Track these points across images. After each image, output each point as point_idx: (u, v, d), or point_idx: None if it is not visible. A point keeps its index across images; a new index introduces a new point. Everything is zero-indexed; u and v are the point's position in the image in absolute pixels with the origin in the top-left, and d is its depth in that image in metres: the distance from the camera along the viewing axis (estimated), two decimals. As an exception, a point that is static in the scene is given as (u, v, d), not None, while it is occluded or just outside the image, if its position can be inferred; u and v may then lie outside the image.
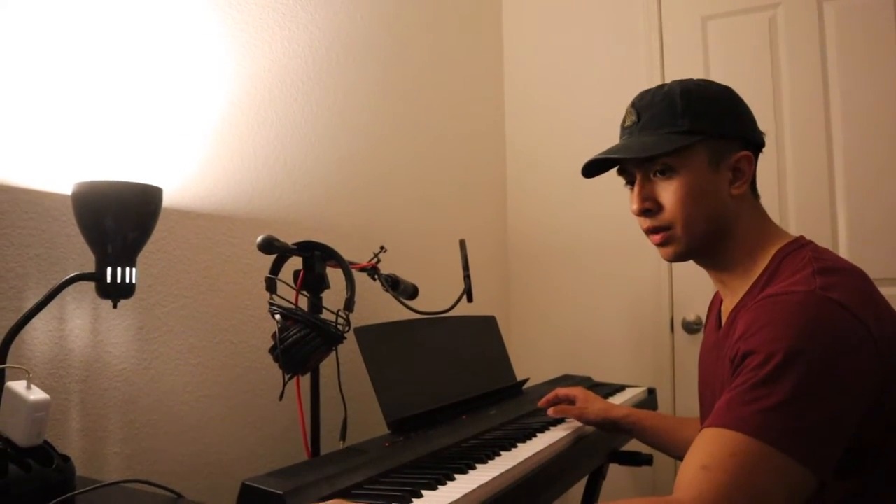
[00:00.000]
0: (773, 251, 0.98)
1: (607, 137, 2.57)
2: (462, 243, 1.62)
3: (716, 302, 1.17)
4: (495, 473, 1.07)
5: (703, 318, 2.23)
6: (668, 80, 2.30)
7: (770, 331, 0.83)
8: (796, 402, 0.78)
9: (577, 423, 1.39)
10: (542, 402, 1.45)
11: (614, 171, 1.09)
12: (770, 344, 0.81)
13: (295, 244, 1.28)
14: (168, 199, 1.14)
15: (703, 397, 1.12)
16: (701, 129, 0.97)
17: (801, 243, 0.98)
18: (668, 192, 0.99)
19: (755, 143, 1.02)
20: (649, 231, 1.03)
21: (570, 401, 1.43)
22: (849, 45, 2.10)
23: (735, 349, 0.87)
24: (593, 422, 1.37)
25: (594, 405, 1.38)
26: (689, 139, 0.97)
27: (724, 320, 1.06)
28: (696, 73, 2.29)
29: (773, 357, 0.80)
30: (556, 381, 2.01)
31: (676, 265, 2.30)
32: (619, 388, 1.90)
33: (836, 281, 0.87)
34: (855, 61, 2.09)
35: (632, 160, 1.02)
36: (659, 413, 1.40)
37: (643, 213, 1.02)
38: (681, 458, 1.28)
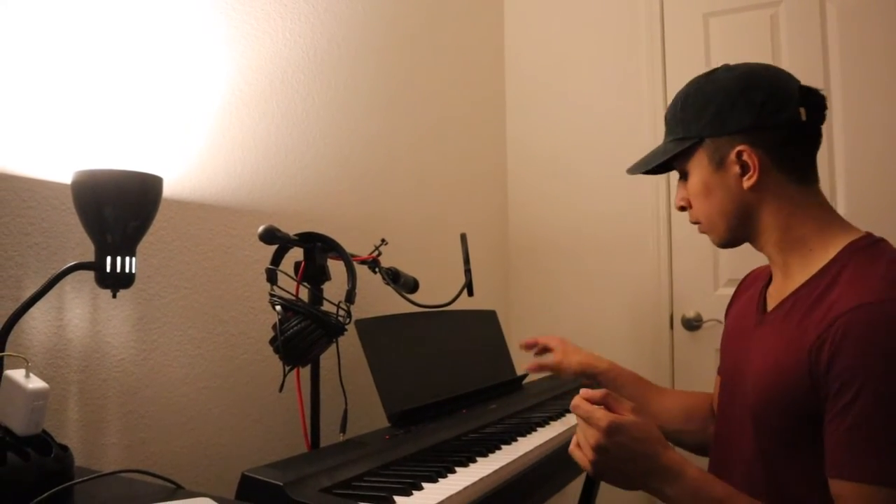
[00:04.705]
0: (840, 243, 0.96)
1: (608, 132, 2.58)
2: (463, 237, 1.61)
3: (755, 280, 1.15)
4: (496, 467, 1.07)
5: (702, 315, 2.24)
6: (668, 76, 2.35)
7: (882, 357, 0.82)
8: None
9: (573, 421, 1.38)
10: (523, 343, 1.46)
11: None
12: (888, 374, 0.81)
13: (296, 235, 1.28)
14: (168, 190, 1.14)
15: (726, 373, 1.11)
16: (693, 132, 1.02)
17: (872, 239, 0.97)
18: (689, 193, 1.07)
19: (771, 128, 0.98)
20: (692, 223, 1.10)
21: (548, 349, 1.42)
22: (850, 43, 2.09)
23: (822, 350, 0.86)
24: (572, 375, 1.36)
25: (573, 357, 1.36)
26: (681, 146, 1.03)
27: (769, 302, 1.04)
28: (698, 71, 2.26)
29: (894, 391, 0.81)
30: (555, 376, 2.00)
31: (676, 262, 2.31)
32: (619, 384, 1.90)
33: None
34: (856, 59, 2.09)
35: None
36: (638, 375, 1.37)
37: (681, 209, 1.10)
38: None
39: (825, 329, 0.87)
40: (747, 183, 0.99)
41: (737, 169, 0.99)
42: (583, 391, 0.95)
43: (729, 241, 1.06)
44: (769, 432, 0.96)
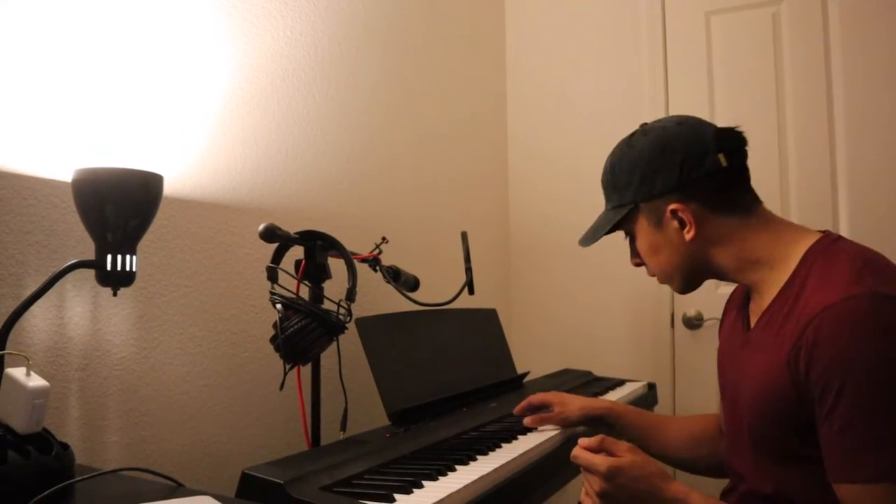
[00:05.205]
0: (799, 251, 0.97)
1: (609, 131, 2.57)
2: (464, 235, 1.61)
3: (737, 298, 1.16)
4: (496, 465, 1.07)
5: (703, 314, 2.24)
6: (670, 74, 2.34)
7: (854, 355, 0.83)
8: None
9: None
10: (517, 410, 1.39)
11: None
12: (863, 370, 0.82)
13: (297, 233, 1.28)
14: (169, 188, 1.14)
15: (726, 392, 1.12)
16: (628, 199, 1.07)
17: (830, 238, 0.98)
18: (639, 252, 1.11)
19: (697, 181, 1.00)
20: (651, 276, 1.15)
21: (546, 407, 1.37)
22: (852, 41, 2.09)
23: (798, 359, 0.88)
24: (576, 422, 1.34)
25: (572, 405, 1.35)
26: (619, 213, 1.08)
27: (752, 319, 1.06)
28: (699, 69, 2.31)
29: (873, 386, 0.82)
30: (556, 375, 2.01)
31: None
32: (620, 383, 1.90)
33: (885, 274, 0.89)
34: (858, 57, 2.08)
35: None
36: (641, 410, 1.38)
37: (637, 265, 1.15)
38: (657, 457, 1.29)
39: (798, 338, 0.88)
40: (688, 236, 1.03)
41: (675, 224, 1.03)
42: (580, 440, 0.99)
43: (688, 288, 1.11)
44: (767, 447, 0.97)
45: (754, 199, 1.04)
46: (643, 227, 1.07)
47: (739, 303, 1.13)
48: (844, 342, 0.84)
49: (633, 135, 1.09)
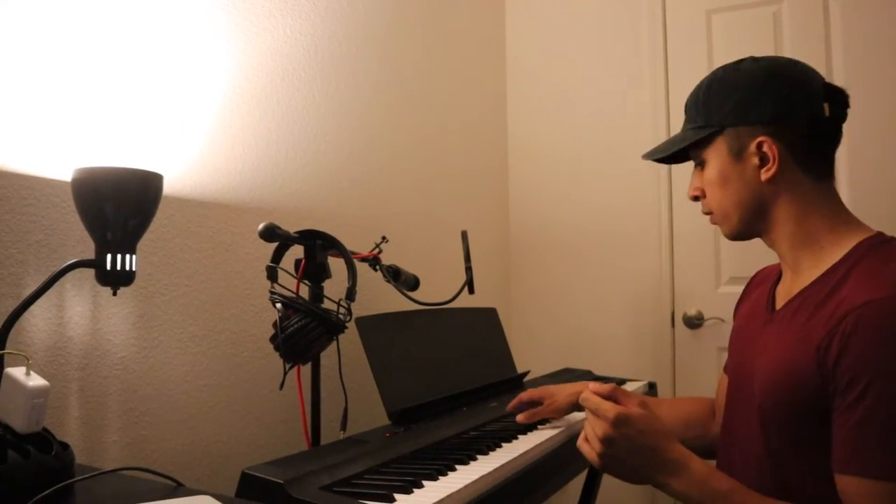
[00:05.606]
0: (851, 241, 0.96)
1: (609, 129, 2.57)
2: (464, 235, 1.61)
3: (765, 279, 1.15)
4: (497, 464, 1.07)
5: (703, 314, 2.24)
6: (670, 73, 2.34)
7: (890, 352, 0.82)
8: None
9: (577, 417, 1.38)
10: (509, 408, 1.39)
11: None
12: (895, 369, 0.82)
13: (296, 232, 1.28)
14: (168, 187, 1.14)
15: (736, 372, 1.11)
16: (715, 121, 1.01)
17: (884, 238, 0.96)
18: (704, 182, 1.06)
19: (793, 121, 0.97)
20: (704, 214, 1.10)
21: (537, 402, 1.37)
22: (854, 41, 2.09)
23: (830, 346, 0.86)
24: (567, 409, 1.34)
25: (561, 393, 1.34)
26: (700, 133, 1.03)
27: (778, 300, 1.04)
28: (700, 68, 2.30)
29: None
30: (556, 374, 2.00)
31: (678, 260, 2.30)
32: (620, 382, 1.90)
33: None
34: (860, 57, 2.08)
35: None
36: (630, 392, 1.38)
37: (693, 199, 1.09)
38: None
39: (835, 325, 0.87)
40: (765, 175, 0.98)
41: (755, 160, 0.99)
42: (592, 385, 0.98)
43: (740, 233, 1.05)
44: (777, 430, 0.96)
45: (832, 173, 1.01)
46: (720, 153, 1.02)
47: (767, 282, 1.11)
48: (883, 338, 0.83)
49: (741, 60, 1.04)
